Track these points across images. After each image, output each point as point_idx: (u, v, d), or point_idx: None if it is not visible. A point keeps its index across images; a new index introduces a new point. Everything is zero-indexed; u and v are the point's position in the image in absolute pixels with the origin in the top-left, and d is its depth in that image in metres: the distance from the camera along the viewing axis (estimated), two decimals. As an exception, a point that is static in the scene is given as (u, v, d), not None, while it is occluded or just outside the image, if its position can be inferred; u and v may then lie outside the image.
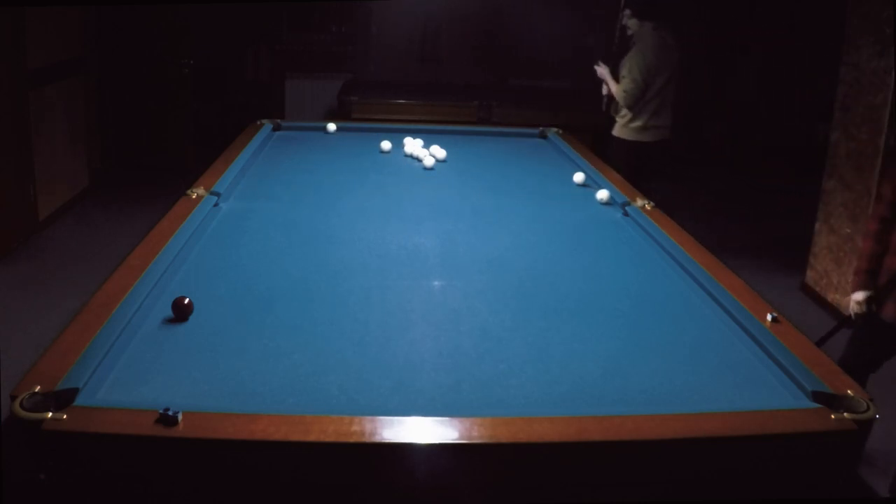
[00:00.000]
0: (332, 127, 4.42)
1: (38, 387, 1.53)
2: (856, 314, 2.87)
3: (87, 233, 5.24)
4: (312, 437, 1.48)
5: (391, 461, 1.52)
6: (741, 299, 2.18)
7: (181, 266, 2.33)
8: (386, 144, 4.00)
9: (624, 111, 4.75)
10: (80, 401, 1.54)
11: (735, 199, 6.65)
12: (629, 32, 4.72)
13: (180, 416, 1.47)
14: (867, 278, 2.81)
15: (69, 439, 1.46)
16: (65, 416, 1.48)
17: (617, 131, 4.82)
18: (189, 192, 2.93)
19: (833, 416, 1.63)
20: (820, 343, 2.64)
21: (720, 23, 7.94)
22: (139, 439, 1.46)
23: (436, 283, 2.39)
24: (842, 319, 3.06)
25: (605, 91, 4.83)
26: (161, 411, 1.47)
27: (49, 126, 5.28)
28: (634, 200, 3.12)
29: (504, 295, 2.27)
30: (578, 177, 3.52)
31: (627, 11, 4.64)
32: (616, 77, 4.72)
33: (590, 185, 3.48)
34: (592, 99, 6.33)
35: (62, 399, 1.52)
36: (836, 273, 4.43)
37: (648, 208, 3.03)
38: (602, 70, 4.81)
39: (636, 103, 4.66)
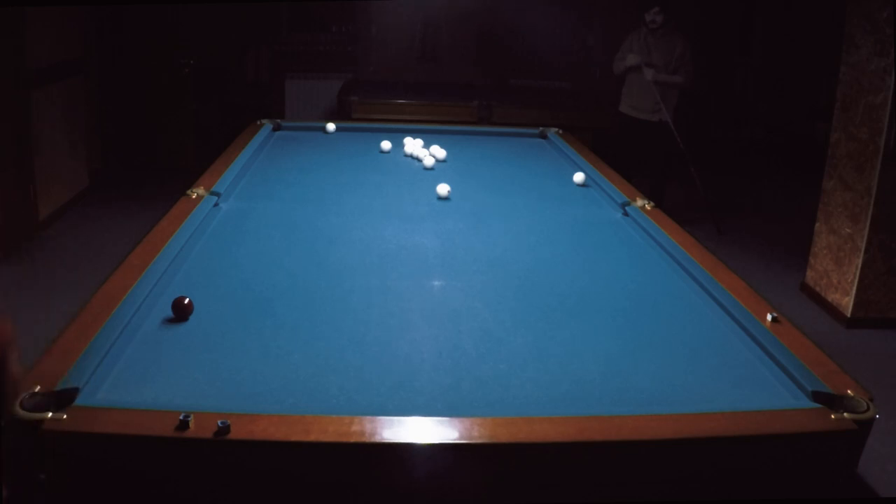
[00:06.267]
0: (331, 127, 4.42)
1: (38, 387, 1.53)
2: None
3: (87, 233, 5.23)
4: (312, 437, 1.48)
5: (391, 461, 1.52)
6: (741, 299, 2.17)
7: (181, 266, 2.33)
8: (386, 144, 4.00)
9: None
10: (80, 401, 1.54)
11: (735, 198, 6.65)
12: (653, 27, 5.35)
13: (191, 419, 1.47)
14: None
15: (69, 439, 1.46)
16: (65, 416, 1.48)
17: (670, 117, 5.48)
18: (189, 192, 2.93)
19: (833, 416, 1.63)
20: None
21: (720, 22, 7.95)
22: (139, 439, 1.46)
23: (436, 283, 2.39)
24: None
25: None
26: (181, 417, 1.46)
27: (49, 126, 5.28)
28: (634, 200, 3.12)
29: (504, 295, 2.27)
30: (578, 177, 3.52)
31: (656, 8, 5.30)
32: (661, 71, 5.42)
33: (590, 185, 3.49)
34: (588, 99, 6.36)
35: (62, 399, 1.52)
36: (836, 273, 4.43)
37: (648, 208, 3.03)
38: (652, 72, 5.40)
39: None
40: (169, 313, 1.98)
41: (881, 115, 4.04)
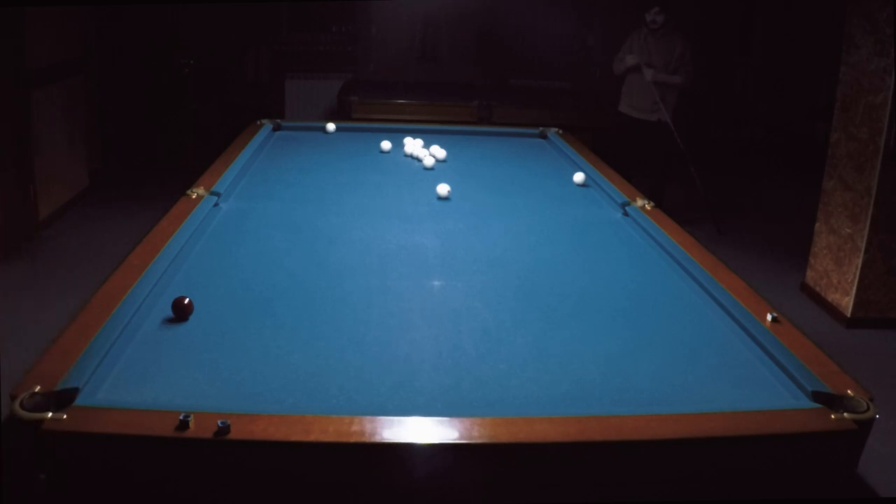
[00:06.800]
0: (331, 127, 4.42)
1: (38, 387, 1.53)
2: None
3: (87, 233, 5.23)
4: (312, 437, 1.48)
5: (391, 461, 1.52)
6: (741, 299, 2.18)
7: (181, 266, 2.33)
8: (386, 144, 4.00)
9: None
10: (80, 401, 1.54)
11: (735, 198, 6.65)
12: (654, 27, 5.35)
13: (191, 419, 1.47)
14: None
15: (69, 439, 1.46)
16: (65, 416, 1.48)
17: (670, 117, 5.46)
18: (189, 192, 2.93)
19: (833, 416, 1.63)
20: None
21: (720, 22, 7.95)
22: (139, 439, 1.46)
23: (436, 283, 2.39)
24: None
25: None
26: (181, 417, 1.46)
27: (49, 126, 5.28)
28: (634, 200, 3.12)
29: (504, 295, 2.27)
30: (578, 177, 3.52)
31: (657, 8, 5.28)
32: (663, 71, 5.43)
33: (590, 185, 3.49)
34: (588, 99, 6.35)
35: (62, 399, 1.52)
36: (836, 273, 4.43)
37: (648, 208, 3.03)
38: (652, 72, 5.39)
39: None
40: (169, 313, 1.99)
41: (881, 115, 4.04)
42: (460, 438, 1.51)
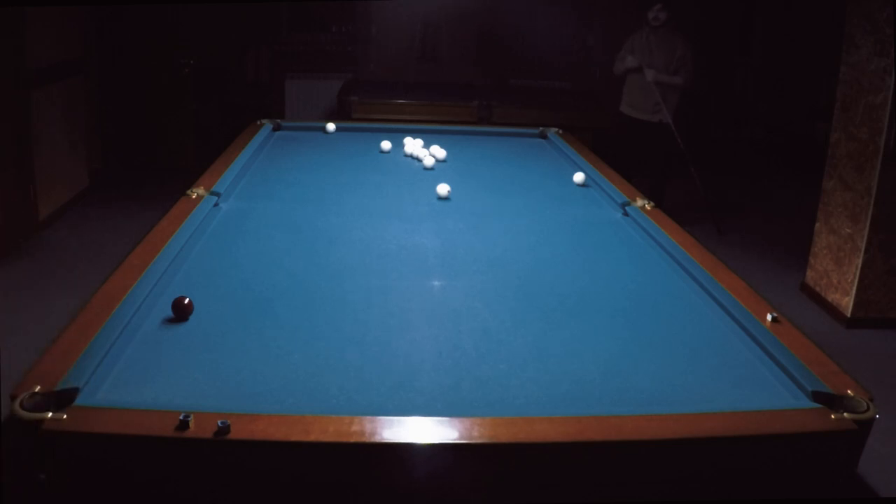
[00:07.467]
0: (331, 127, 4.42)
1: (38, 387, 1.53)
2: None
3: (87, 233, 5.23)
4: (312, 437, 1.48)
5: (391, 461, 1.52)
6: (741, 299, 2.18)
7: (181, 266, 2.33)
8: (386, 144, 4.00)
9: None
10: (80, 401, 1.54)
11: (735, 198, 6.65)
12: (656, 24, 5.35)
13: (191, 419, 1.47)
14: None
15: (69, 439, 1.46)
16: (65, 416, 1.48)
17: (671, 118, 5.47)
18: (189, 192, 2.93)
19: (833, 416, 1.63)
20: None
21: (720, 22, 7.95)
22: (139, 439, 1.46)
23: (436, 283, 2.39)
24: None
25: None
26: (181, 417, 1.46)
27: (49, 126, 5.28)
28: (634, 200, 3.12)
29: (504, 295, 2.27)
30: (578, 177, 3.52)
31: (659, 5, 5.29)
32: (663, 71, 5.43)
33: (590, 185, 3.49)
34: (590, 99, 6.35)
35: (62, 399, 1.52)
36: (836, 273, 4.43)
37: (648, 208, 3.03)
38: (653, 73, 5.39)
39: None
40: (169, 313, 1.98)
41: (881, 115, 4.04)
42: (460, 438, 1.51)
